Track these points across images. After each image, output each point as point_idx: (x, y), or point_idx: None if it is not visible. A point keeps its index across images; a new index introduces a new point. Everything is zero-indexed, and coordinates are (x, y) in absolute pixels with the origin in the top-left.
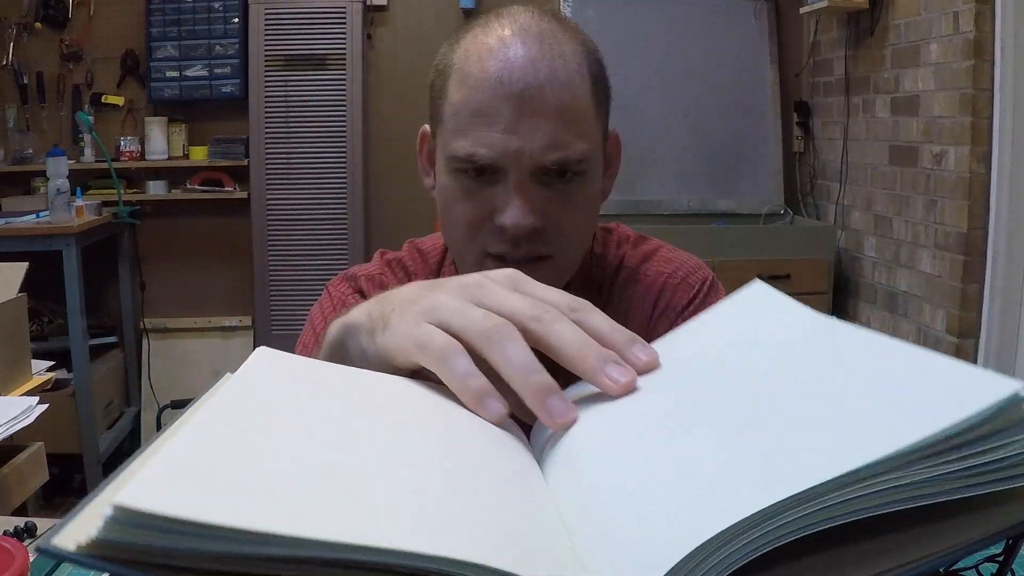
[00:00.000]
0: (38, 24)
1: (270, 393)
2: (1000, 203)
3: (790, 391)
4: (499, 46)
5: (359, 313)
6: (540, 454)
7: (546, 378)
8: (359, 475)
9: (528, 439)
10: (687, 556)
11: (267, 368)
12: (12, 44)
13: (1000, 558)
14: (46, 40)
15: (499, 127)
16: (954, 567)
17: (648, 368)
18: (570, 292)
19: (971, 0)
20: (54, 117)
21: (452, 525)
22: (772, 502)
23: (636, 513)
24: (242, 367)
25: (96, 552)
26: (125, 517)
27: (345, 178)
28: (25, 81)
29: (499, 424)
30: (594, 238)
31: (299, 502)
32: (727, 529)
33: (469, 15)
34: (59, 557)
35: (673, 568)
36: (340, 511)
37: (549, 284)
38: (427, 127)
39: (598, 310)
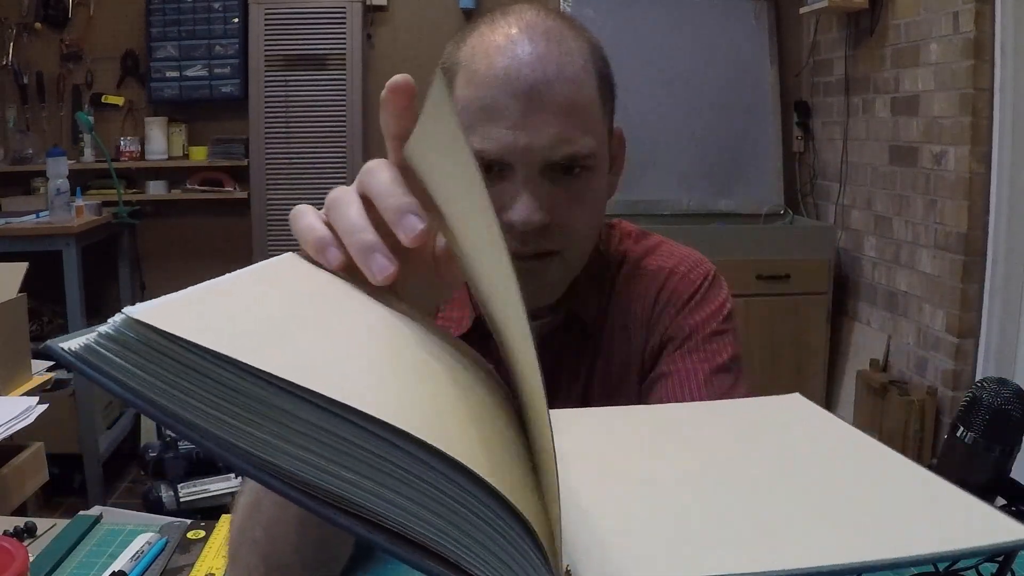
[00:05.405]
0: (38, 24)
1: (278, 275)
2: (1000, 203)
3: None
4: (507, 43)
5: None
6: None
7: (371, 237)
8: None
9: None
10: None
11: (286, 261)
12: (12, 44)
13: (1000, 558)
14: (46, 40)
15: (507, 123)
16: (954, 567)
17: (413, 243)
18: (575, 287)
19: (971, 0)
20: (54, 117)
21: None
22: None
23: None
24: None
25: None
26: (129, 326)
27: (345, 178)
28: (25, 81)
29: (337, 269)
30: None
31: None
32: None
33: (469, 15)
34: (58, 357)
35: None
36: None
37: (557, 280)
38: None
39: (384, 168)
